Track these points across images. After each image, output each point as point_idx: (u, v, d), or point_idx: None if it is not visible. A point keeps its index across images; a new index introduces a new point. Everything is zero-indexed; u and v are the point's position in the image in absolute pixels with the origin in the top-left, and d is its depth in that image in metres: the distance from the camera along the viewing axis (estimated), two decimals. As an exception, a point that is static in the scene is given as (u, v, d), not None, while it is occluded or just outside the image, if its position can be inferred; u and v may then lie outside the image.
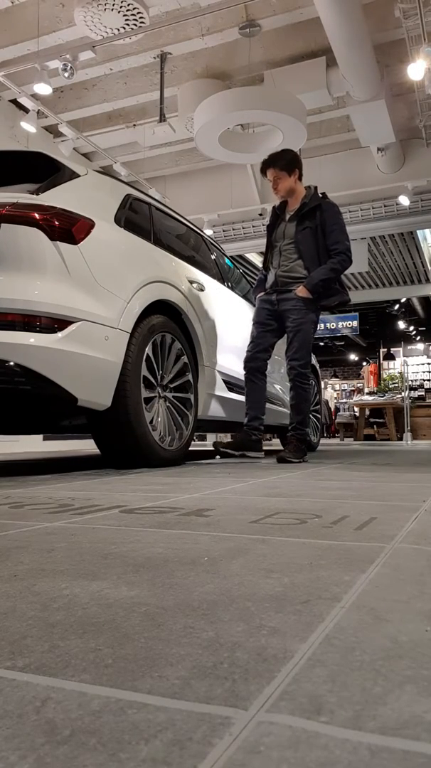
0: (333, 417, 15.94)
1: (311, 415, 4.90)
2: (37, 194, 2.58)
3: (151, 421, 2.87)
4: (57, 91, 6.62)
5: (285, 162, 3.65)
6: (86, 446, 6.65)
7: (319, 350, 19.65)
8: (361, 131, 6.83)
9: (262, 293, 3.76)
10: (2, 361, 2.34)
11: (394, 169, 7.84)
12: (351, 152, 7.98)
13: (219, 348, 3.69)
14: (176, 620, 0.60)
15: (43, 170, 2.79)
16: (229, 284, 4.26)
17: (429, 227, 10.27)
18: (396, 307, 17.17)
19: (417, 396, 12.35)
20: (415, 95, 6.50)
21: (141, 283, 2.85)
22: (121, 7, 5.00)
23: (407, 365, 11.23)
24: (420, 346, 21.26)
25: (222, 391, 3.71)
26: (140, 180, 8.06)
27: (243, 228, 9.23)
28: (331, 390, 22.02)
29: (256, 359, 3.69)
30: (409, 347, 21.12)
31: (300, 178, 3.70)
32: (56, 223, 2.48)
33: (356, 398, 13.79)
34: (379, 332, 20.13)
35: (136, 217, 3.16)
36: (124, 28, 5.27)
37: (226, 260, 4.60)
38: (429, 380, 19.68)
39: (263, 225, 3.72)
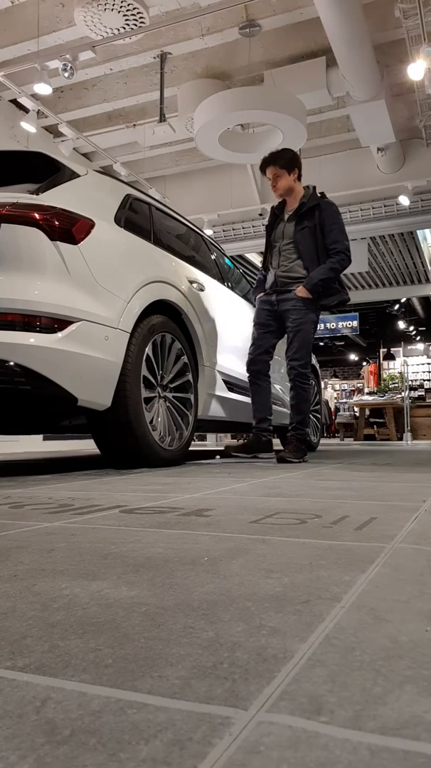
0: (333, 417, 15.94)
1: (311, 415, 4.90)
2: (37, 194, 2.58)
3: (151, 421, 2.87)
4: (57, 91, 6.62)
5: (285, 160, 3.65)
6: (86, 446, 6.65)
7: (319, 350, 19.65)
8: (361, 131, 6.83)
9: (262, 294, 3.76)
10: (2, 361, 2.34)
11: (394, 169, 7.84)
12: (351, 152, 7.98)
13: (219, 348, 3.69)
14: (176, 620, 0.60)
15: (43, 170, 2.79)
16: (229, 284, 4.26)
17: (429, 227, 10.27)
18: (396, 307, 17.18)
19: (417, 396, 12.34)
20: (415, 95, 6.50)
21: (141, 283, 2.85)
22: (121, 7, 5.00)
23: (407, 365, 11.23)
24: (420, 346, 21.26)
25: (222, 391, 3.71)
26: (140, 180, 8.06)
27: (243, 228, 9.23)
28: (331, 390, 22.02)
29: (258, 362, 3.70)
30: (409, 347, 21.12)
31: (299, 178, 3.70)
32: (56, 223, 2.48)
33: (356, 398, 13.79)
34: (379, 332, 20.13)
35: (136, 217, 3.16)
36: (124, 28, 5.27)
37: (226, 260, 4.60)
38: (429, 380, 19.68)
39: (263, 225, 3.73)
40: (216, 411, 3.67)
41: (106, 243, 2.76)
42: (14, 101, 6.65)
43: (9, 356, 2.34)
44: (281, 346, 3.83)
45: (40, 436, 6.69)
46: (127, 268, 2.86)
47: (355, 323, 15.81)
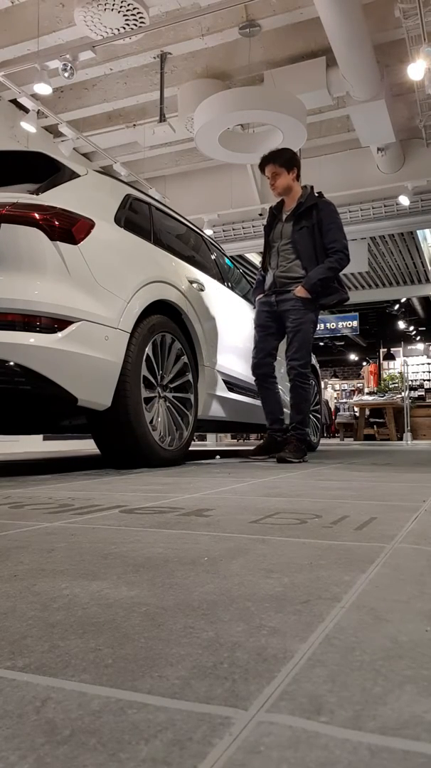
0: (333, 417, 15.94)
1: (311, 415, 4.90)
2: (37, 194, 2.58)
3: (151, 421, 2.87)
4: (57, 91, 6.62)
5: (284, 159, 3.65)
6: (86, 446, 6.65)
7: (319, 350, 19.65)
8: (361, 131, 6.83)
9: (261, 295, 3.76)
10: (2, 361, 2.34)
11: (394, 169, 7.84)
12: (351, 152, 7.98)
13: (219, 348, 3.70)
14: (176, 620, 0.60)
15: (43, 170, 2.79)
16: (229, 284, 4.26)
17: (429, 227, 10.27)
18: (396, 307, 17.17)
19: (417, 396, 12.34)
20: (415, 95, 6.50)
21: (141, 283, 2.85)
22: (121, 7, 5.00)
23: (407, 365, 11.23)
24: (420, 346, 21.25)
25: (222, 391, 3.71)
26: (140, 180, 8.06)
27: (243, 228, 9.23)
28: (331, 390, 22.01)
29: (263, 365, 3.71)
30: (409, 347, 21.12)
31: (297, 178, 3.70)
32: (56, 223, 2.48)
33: (356, 398, 13.79)
34: (379, 332, 20.13)
35: (136, 217, 3.16)
36: (124, 28, 5.27)
37: (226, 260, 4.60)
38: (429, 380, 19.68)
39: (263, 225, 3.73)
40: (216, 411, 3.67)
41: (106, 243, 2.76)
42: (14, 101, 6.65)
43: (9, 356, 2.34)
44: (282, 346, 3.83)
45: (40, 436, 6.69)
46: (127, 268, 2.86)
47: (355, 323, 15.81)
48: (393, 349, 20.24)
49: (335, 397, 21.06)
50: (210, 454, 5.06)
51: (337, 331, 16.26)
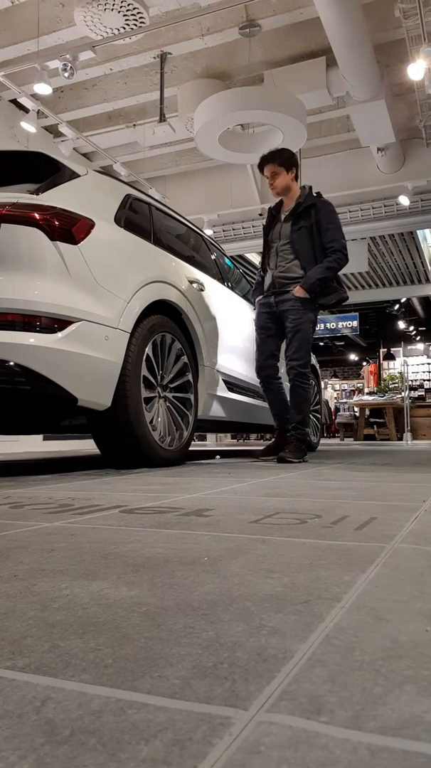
0: (333, 417, 15.93)
1: (311, 415, 4.90)
2: (37, 194, 2.58)
3: (151, 421, 2.87)
4: (57, 91, 6.62)
5: (283, 159, 3.65)
6: (86, 446, 6.65)
7: (319, 350, 19.65)
8: (361, 131, 6.83)
9: (261, 296, 3.76)
10: (2, 361, 2.34)
11: (394, 169, 7.84)
12: (351, 152, 7.98)
13: (219, 348, 3.70)
14: (176, 620, 0.60)
15: (43, 170, 2.79)
16: (229, 284, 4.26)
17: (429, 227, 10.27)
18: (396, 307, 17.17)
19: (417, 396, 12.34)
20: (415, 95, 6.50)
21: (141, 283, 2.85)
22: (121, 7, 5.00)
23: (407, 365, 11.22)
24: (420, 346, 21.25)
25: (222, 391, 3.71)
26: (140, 180, 8.06)
27: (243, 228, 9.23)
28: (331, 390, 22.01)
29: (267, 367, 3.72)
30: (409, 347, 21.11)
31: (296, 178, 3.70)
32: (56, 223, 2.48)
33: (356, 398, 13.79)
34: (379, 332, 20.13)
35: (136, 217, 3.16)
36: (124, 28, 5.27)
37: (226, 260, 4.60)
38: (429, 380, 19.68)
39: (263, 225, 3.74)
40: (216, 411, 3.67)
41: (106, 243, 2.76)
42: (14, 101, 6.65)
43: (9, 356, 2.34)
44: (283, 346, 3.84)
45: (40, 436, 6.69)
46: (127, 268, 2.86)
47: (355, 323, 15.81)
48: (393, 349, 20.24)
49: (335, 397, 21.06)
50: (210, 454, 5.06)
51: (337, 331, 16.26)
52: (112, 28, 5.25)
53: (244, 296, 4.45)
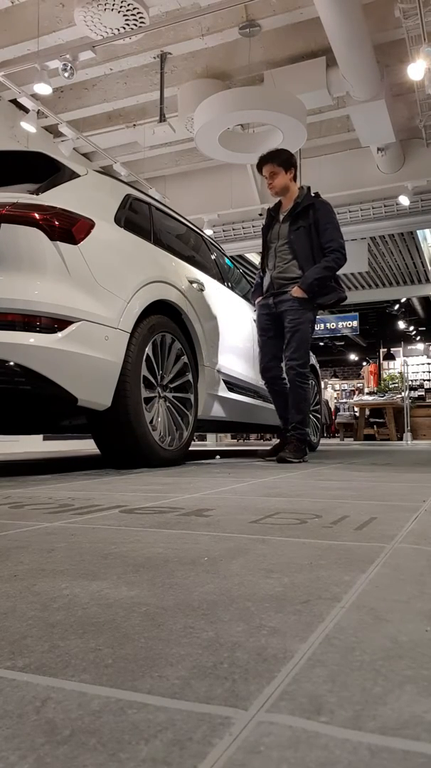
0: (333, 417, 15.93)
1: (311, 415, 4.90)
2: (37, 194, 2.58)
3: (151, 421, 2.87)
4: (57, 91, 6.62)
5: (282, 159, 3.66)
6: (86, 446, 6.65)
7: (319, 350, 19.65)
8: (361, 131, 6.83)
9: (260, 298, 3.77)
10: (2, 361, 2.34)
11: (394, 169, 7.84)
12: (351, 152, 7.98)
13: (219, 348, 3.70)
14: (176, 620, 0.60)
15: (43, 170, 2.79)
16: (229, 284, 4.27)
17: (429, 227, 10.27)
18: (396, 307, 17.17)
19: (417, 396, 12.34)
20: (415, 95, 6.50)
21: (141, 283, 2.85)
22: (121, 7, 5.00)
23: (407, 365, 11.23)
24: (420, 346, 21.25)
25: (222, 391, 3.72)
26: (140, 180, 8.06)
27: (243, 228, 9.23)
28: (331, 390, 22.01)
29: (270, 369, 3.73)
30: (409, 347, 21.11)
31: (294, 179, 3.70)
32: (56, 223, 2.48)
33: (356, 398, 13.79)
34: (379, 332, 20.13)
35: (136, 217, 3.16)
36: (124, 28, 5.27)
37: (226, 260, 4.60)
38: (429, 380, 19.68)
39: (262, 226, 3.75)
40: (216, 411, 3.67)
41: (106, 243, 2.76)
42: (14, 101, 6.65)
43: (9, 356, 2.34)
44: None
45: (40, 436, 6.69)
46: (127, 268, 2.86)
47: (355, 323, 15.81)
48: (393, 349, 20.24)
49: (335, 397, 21.06)
50: (210, 454, 5.06)
51: (337, 331, 16.26)
52: (112, 28, 5.25)
53: (244, 296, 4.45)
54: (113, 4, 4.97)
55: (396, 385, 13.83)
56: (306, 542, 0.99)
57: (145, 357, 2.84)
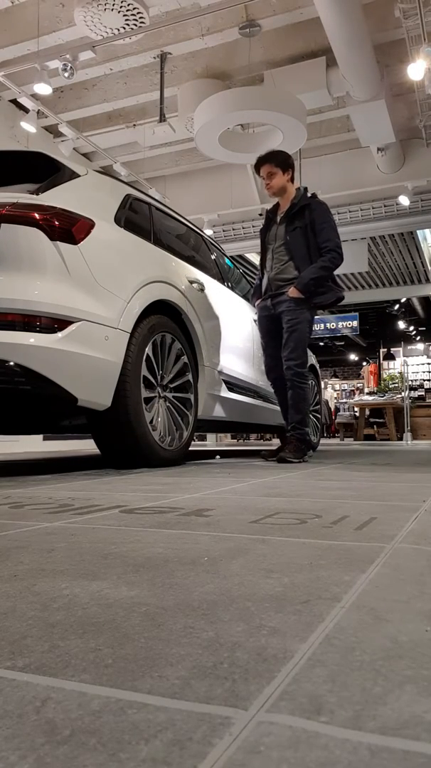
0: (333, 417, 15.94)
1: (311, 415, 4.90)
2: (37, 194, 2.58)
3: (151, 421, 2.87)
4: (57, 91, 6.62)
5: (279, 160, 3.67)
6: (86, 446, 6.65)
7: (319, 350, 19.65)
8: (361, 131, 6.83)
9: (259, 300, 3.79)
10: (2, 361, 2.34)
11: (394, 169, 7.84)
12: (351, 152, 7.98)
13: (219, 348, 3.70)
14: (176, 620, 0.60)
15: (43, 170, 2.79)
16: (229, 284, 4.27)
17: (429, 227, 10.27)
18: (396, 307, 17.17)
19: (417, 396, 12.34)
20: (415, 95, 6.50)
21: (141, 283, 2.85)
22: (121, 7, 5.00)
23: (407, 365, 11.23)
24: (420, 346, 21.25)
25: (222, 391, 3.72)
26: (140, 180, 8.06)
27: (243, 228, 9.23)
28: (331, 390, 22.01)
29: (274, 370, 3.75)
30: (409, 347, 21.11)
31: (292, 180, 3.71)
32: (56, 223, 2.48)
33: (356, 398, 13.78)
34: (379, 332, 20.13)
35: (136, 217, 3.16)
36: (124, 28, 5.27)
37: (226, 260, 4.60)
38: (429, 380, 19.68)
39: (261, 228, 3.76)
40: (216, 411, 3.67)
41: (106, 243, 2.76)
42: (14, 101, 6.65)
43: (9, 356, 2.34)
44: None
45: (40, 436, 6.69)
46: (127, 268, 2.86)
47: (355, 323, 15.81)
48: (393, 349, 20.24)
49: (335, 397, 21.06)
50: (210, 454, 5.06)
51: (337, 331, 16.26)
52: (112, 28, 5.25)
53: (244, 296, 4.45)
54: (113, 4, 4.97)
55: (396, 385, 13.83)
56: (306, 542, 0.99)
57: (145, 357, 2.84)
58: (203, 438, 10.67)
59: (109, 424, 2.72)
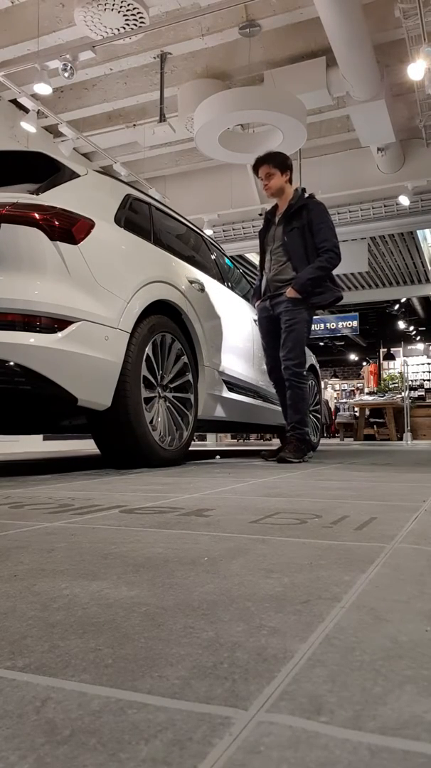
0: (333, 417, 15.94)
1: (311, 415, 4.90)
2: (37, 194, 2.58)
3: (151, 421, 2.87)
4: (57, 91, 6.62)
5: (278, 161, 3.69)
6: (86, 446, 6.65)
7: (319, 350, 19.65)
8: (361, 131, 6.83)
9: (259, 301, 3.80)
10: (2, 361, 2.34)
11: (394, 169, 7.84)
12: (351, 152, 7.98)
13: (219, 348, 3.70)
14: (176, 620, 0.60)
15: (43, 170, 2.79)
16: (229, 284, 4.27)
17: (429, 227, 10.27)
18: (396, 307, 17.17)
19: (417, 396, 12.34)
20: (415, 95, 6.50)
21: (141, 283, 2.85)
22: (121, 7, 5.00)
23: (407, 365, 11.23)
24: (420, 346, 21.25)
25: (222, 391, 3.72)
26: (140, 180, 8.06)
27: (243, 228, 9.23)
28: (331, 390, 22.01)
29: (275, 370, 3.76)
30: (409, 347, 21.12)
31: (290, 182, 3.72)
32: (56, 223, 2.48)
33: (356, 398, 13.78)
34: (379, 332, 20.13)
35: (136, 217, 3.16)
36: (124, 28, 5.27)
37: (226, 260, 4.60)
38: (429, 380, 19.68)
39: (260, 229, 3.78)
40: (216, 411, 3.68)
41: (106, 243, 2.76)
42: (14, 101, 6.65)
43: (9, 356, 2.34)
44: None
45: (40, 436, 6.69)
46: (127, 268, 2.86)
47: (355, 323, 15.81)
48: (393, 349, 20.24)
49: (335, 397, 21.06)
50: (210, 454, 5.06)
51: (337, 331, 16.26)
52: (112, 28, 5.25)
53: (244, 296, 4.45)
54: (113, 4, 4.97)
55: (396, 385, 13.83)
56: (306, 542, 0.99)
57: (145, 357, 2.84)
58: (203, 438, 10.67)
59: (109, 424, 2.72)
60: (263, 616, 0.61)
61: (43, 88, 5.59)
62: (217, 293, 3.82)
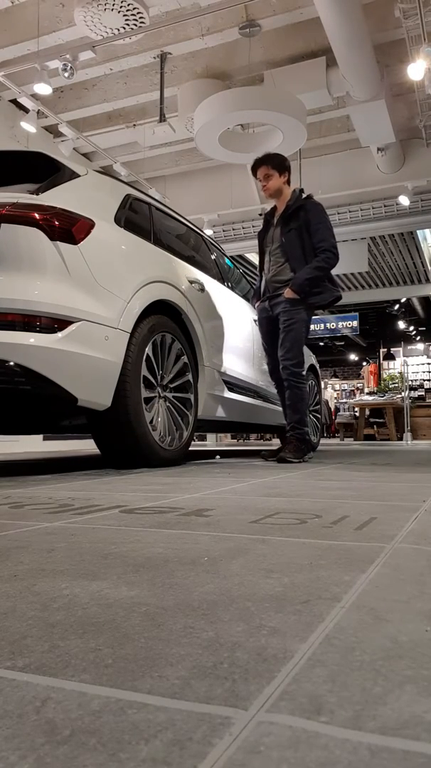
0: (333, 417, 15.93)
1: (311, 415, 4.90)
2: (37, 194, 2.58)
3: (151, 421, 2.87)
4: (57, 91, 6.62)
5: (276, 162, 3.70)
6: (86, 446, 6.65)
7: (319, 350, 19.65)
8: (361, 131, 6.83)
9: (258, 302, 3.81)
10: (2, 361, 2.34)
11: (394, 169, 7.84)
12: (351, 152, 7.98)
13: (219, 348, 3.70)
14: (176, 620, 0.60)
15: (43, 170, 2.79)
16: (229, 284, 4.27)
17: (429, 227, 10.27)
18: (396, 307, 17.17)
19: (417, 396, 12.34)
20: (415, 95, 6.50)
21: (141, 283, 2.85)
22: (121, 7, 5.00)
23: (407, 365, 11.23)
24: (420, 346, 21.25)
25: (222, 391, 3.72)
26: (140, 180, 8.06)
27: (243, 228, 9.23)
28: (331, 390, 22.01)
29: (277, 371, 3.76)
30: (409, 347, 21.11)
31: (288, 183, 3.73)
32: (56, 223, 2.48)
33: (356, 398, 13.78)
34: (379, 332, 20.13)
35: (136, 217, 3.16)
36: (124, 28, 5.27)
37: (226, 260, 4.60)
38: (429, 380, 19.67)
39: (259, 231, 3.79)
40: (216, 411, 3.68)
41: (106, 243, 2.76)
42: (14, 101, 6.65)
43: (9, 356, 2.34)
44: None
45: (40, 436, 6.69)
46: (127, 268, 2.86)
47: (355, 323, 15.80)
48: (393, 349, 20.24)
49: (335, 397, 21.06)
50: (210, 454, 5.06)
51: (337, 331, 16.26)
52: (112, 28, 5.25)
53: (244, 296, 4.45)
54: (113, 4, 4.97)
55: (396, 385, 13.83)
56: (306, 542, 0.99)
57: (145, 357, 2.84)
58: (203, 438, 10.67)
59: (109, 424, 2.72)
60: (263, 616, 0.61)
61: (43, 88, 5.59)
62: (217, 293, 3.82)
